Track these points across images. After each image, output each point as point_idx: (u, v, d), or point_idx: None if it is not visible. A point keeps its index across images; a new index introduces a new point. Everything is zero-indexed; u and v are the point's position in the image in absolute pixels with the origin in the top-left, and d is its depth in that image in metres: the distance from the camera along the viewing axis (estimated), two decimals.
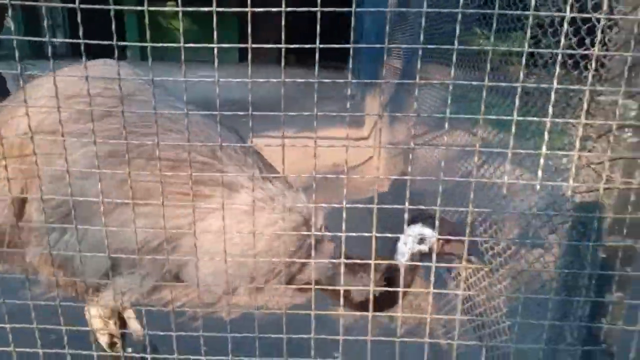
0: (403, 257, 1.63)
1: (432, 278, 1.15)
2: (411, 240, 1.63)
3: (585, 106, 1.19)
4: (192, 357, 1.24)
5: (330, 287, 1.60)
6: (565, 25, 1.10)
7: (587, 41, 1.37)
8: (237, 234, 1.52)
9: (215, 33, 1.01)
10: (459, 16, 1.03)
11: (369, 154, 6.73)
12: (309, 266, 1.61)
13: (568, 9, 1.06)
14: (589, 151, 1.35)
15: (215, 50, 1.03)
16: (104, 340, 2.03)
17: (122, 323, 2.08)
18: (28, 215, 1.69)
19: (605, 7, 1.12)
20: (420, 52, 1.06)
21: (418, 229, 1.62)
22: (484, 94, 1.12)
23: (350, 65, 9.38)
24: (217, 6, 1.01)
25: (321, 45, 1.00)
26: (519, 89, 1.13)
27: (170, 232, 1.50)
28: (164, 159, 1.52)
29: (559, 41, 1.55)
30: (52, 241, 1.63)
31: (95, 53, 1.31)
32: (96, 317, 1.99)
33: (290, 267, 1.62)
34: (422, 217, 1.63)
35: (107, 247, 1.28)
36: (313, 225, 1.54)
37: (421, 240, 1.63)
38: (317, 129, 1.08)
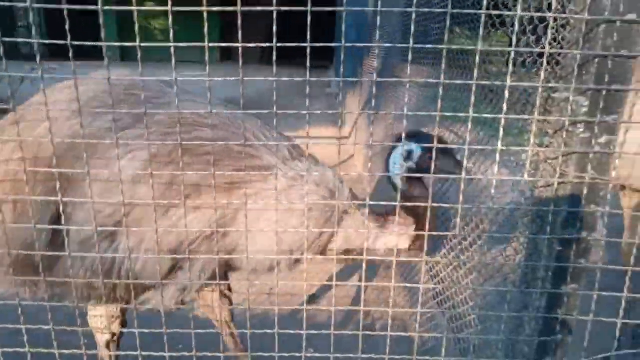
0: (394, 174, 1.73)
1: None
2: (399, 159, 1.73)
3: (538, 103, 1.23)
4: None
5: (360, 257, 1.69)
6: (517, 25, 1.13)
7: (544, 40, 1.41)
8: (275, 211, 1.62)
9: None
10: (448, 19, 1.05)
11: (350, 152, 6.78)
12: (340, 235, 1.73)
13: (519, 8, 1.09)
14: (547, 147, 1.39)
15: (212, 49, 1.04)
16: (104, 339, 2.05)
17: (124, 323, 2.08)
18: (67, 230, 1.65)
19: (554, 7, 1.15)
20: (410, 54, 1.08)
21: (405, 147, 1.72)
22: (440, 91, 1.15)
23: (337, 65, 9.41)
24: (197, 6, 1.02)
25: (311, 45, 1.02)
26: (474, 87, 1.16)
27: (221, 221, 1.59)
28: (206, 154, 1.58)
29: (519, 40, 1.59)
30: (102, 250, 1.63)
31: (73, 53, 1.30)
32: (101, 316, 2.00)
33: (321, 237, 1.71)
34: (409, 135, 1.72)
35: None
36: (339, 195, 1.70)
37: (408, 155, 1.71)
38: (301, 128, 1.11)
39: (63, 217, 1.44)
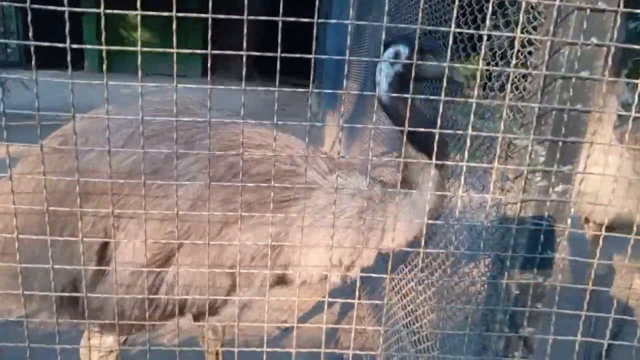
0: (381, 87, 1.64)
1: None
2: (385, 66, 1.64)
3: (498, 151, 1.27)
4: None
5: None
6: (478, 78, 1.17)
7: (507, 87, 1.46)
8: (319, 225, 1.63)
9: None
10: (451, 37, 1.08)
11: None
12: (387, 233, 1.68)
13: (480, 63, 1.14)
14: (507, 191, 1.43)
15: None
16: None
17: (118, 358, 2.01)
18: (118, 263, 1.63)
19: (513, 62, 1.20)
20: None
21: (391, 49, 1.65)
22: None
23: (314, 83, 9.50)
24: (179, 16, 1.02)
25: (283, 54, 1.03)
26: (437, 135, 1.19)
27: (275, 237, 1.60)
28: (257, 175, 1.61)
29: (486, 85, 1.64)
30: (153, 278, 1.62)
31: (50, 62, 1.29)
32: (98, 351, 1.92)
33: (369, 242, 1.69)
34: (395, 38, 1.66)
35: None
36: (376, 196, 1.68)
37: (396, 56, 1.64)
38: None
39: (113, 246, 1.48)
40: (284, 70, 1.07)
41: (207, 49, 1.05)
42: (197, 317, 1.90)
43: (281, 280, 1.78)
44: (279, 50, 1.06)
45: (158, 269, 1.61)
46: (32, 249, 1.58)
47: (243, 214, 1.57)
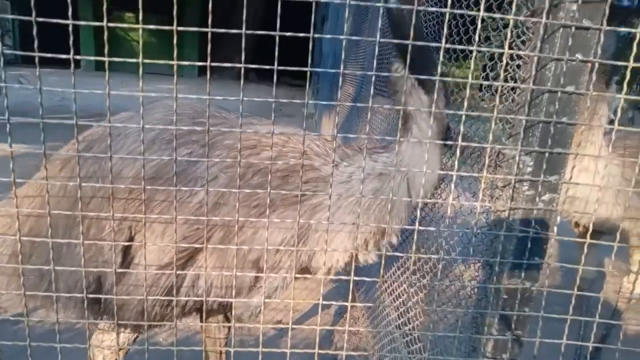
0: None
1: None
2: None
3: (487, 161, 1.32)
4: None
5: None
6: (468, 90, 1.22)
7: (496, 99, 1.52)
8: (344, 207, 1.67)
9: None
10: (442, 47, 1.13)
11: None
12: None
13: (470, 77, 1.19)
14: (496, 199, 1.48)
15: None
16: None
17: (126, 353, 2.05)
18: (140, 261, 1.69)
19: (502, 75, 1.25)
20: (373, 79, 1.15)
21: None
22: (365, 116, 1.22)
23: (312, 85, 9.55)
24: (177, 22, 1.06)
25: (279, 68, 1.08)
26: (428, 144, 1.25)
27: (299, 230, 1.66)
28: (276, 171, 1.67)
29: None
30: (177, 276, 1.68)
31: (46, 61, 1.32)
32: (104, 349, 1.96)
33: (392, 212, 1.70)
34: None
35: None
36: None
37: None
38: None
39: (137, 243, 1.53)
40: (281, 71, 1.12)
41: (204, 46, 1.09)
42: (216, 311, 1.93)
43: (306, 270, 1.84)
44: (275, 64, 1.11)
45: (182, 266, 1.67)
46: (57, 250, 1.64)
47: (263, 211, 1.65)
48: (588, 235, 1.35)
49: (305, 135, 1.82)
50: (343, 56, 1.95)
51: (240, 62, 1.09)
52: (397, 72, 1.62)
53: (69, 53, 1.07)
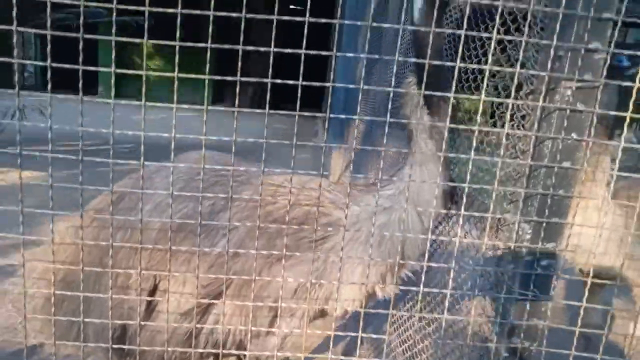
0: (416, 4, 1.57)
1: None
2: None
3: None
4: None
5: None
6: (470, 165, 1.33)
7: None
8: (355, 248, 1.76)
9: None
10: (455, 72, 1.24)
11: None
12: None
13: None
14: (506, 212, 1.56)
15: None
16: None
17: None
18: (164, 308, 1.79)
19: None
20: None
21: None
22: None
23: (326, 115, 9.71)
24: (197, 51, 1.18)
25: (296, 113, 1.16)
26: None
27: (314, 273, 1.75)
28: (292, 219, 1.76)
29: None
30: (198, 320, 1.79)
31: (66, 86, 1.40)
32: None
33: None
34: None
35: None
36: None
37: None
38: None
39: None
40: (292, 100, 1.18)
41: (218, 74, 1.19)
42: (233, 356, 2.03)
43: (322, 313, 1.93)
44: (296, 109, 1.22)
45: (203, 313, 1.77)
46: (87, 298, 1.75)
47: (283, 255, 1.70)
48: (588, 282, 1.39)
49: (315, 180, 1.93)
50: (360, 97, 2.07)
51: (254, 92, 1.20)
52: (409, 86, 1.70)
53: (87, 80, 1.17)
